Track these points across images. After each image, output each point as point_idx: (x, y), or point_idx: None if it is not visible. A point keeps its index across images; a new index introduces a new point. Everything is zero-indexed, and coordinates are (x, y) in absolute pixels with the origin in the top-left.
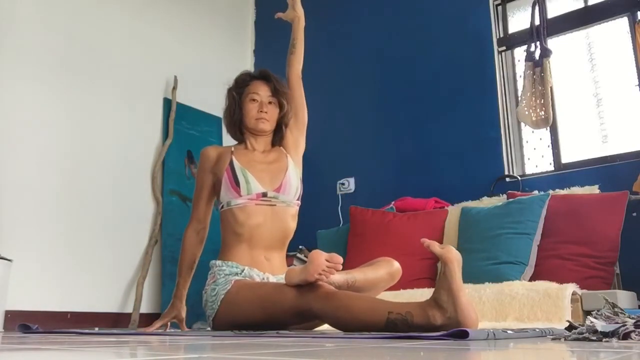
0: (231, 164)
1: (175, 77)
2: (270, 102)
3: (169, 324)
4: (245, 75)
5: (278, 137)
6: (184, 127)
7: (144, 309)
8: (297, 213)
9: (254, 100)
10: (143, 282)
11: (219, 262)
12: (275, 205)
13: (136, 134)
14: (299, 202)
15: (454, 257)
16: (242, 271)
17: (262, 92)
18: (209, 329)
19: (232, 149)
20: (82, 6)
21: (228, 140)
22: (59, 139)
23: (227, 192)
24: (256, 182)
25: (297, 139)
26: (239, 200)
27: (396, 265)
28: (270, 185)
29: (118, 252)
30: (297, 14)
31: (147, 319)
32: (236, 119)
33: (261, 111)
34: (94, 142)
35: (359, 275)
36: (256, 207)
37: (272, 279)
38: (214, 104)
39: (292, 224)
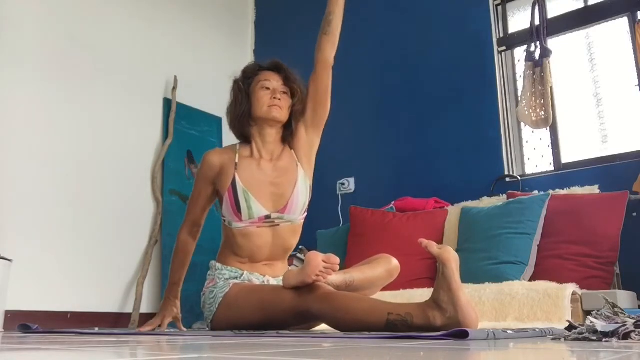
0: (233, 183)
1: (175, 77)
2: (283, 92)
3: (166, 323)
4: (254, 65)
5: (288, 132)
6: (184, 127)
7: (144, 309)
8: (302, 224)
9: (265, 87)
10: (143, 282)
11: (219, 266)
12: (278, 225)
13: (136, 134)
14: (306, 213)
15: (452, 257)
16: (242, 275)
17: (274, 80)
18: (207, 329)
19: (236, 158)
20: (82, 6)
21: (228, 139)
22: (58, 138)
23: (227, 212)
24: (259, 206)
25: (312, 139)
26: (240, 224)
27: (394, 262)
28: (274, 207)
29: (118, 252)
30: None
31: (147, 319)
32: (244, 111)
33: (274, 97)
34: (94, 142)
35: (357, 274)
36: (258, 230)
37: (273, 282)
38: (214, 104)
39: (295, 240)
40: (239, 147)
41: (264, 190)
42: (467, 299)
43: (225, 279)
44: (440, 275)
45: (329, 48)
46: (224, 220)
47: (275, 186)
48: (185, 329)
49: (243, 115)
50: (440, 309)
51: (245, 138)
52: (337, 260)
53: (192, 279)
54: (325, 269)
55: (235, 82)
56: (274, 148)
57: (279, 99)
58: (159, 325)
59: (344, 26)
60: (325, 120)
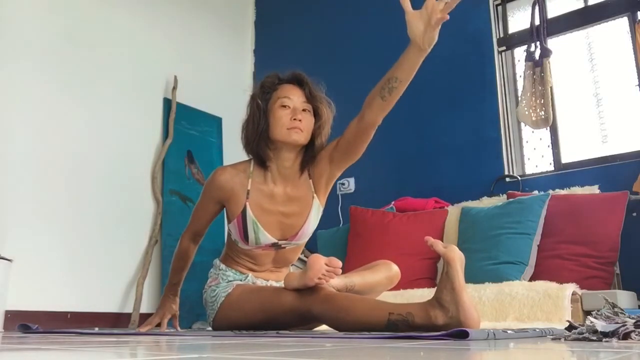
0: (244, 212)
1: (175, 77)
2: (304, 110)
3: (166, 322)
4: (273, 78)
5: (309, 156)
6: (184, 127)
7: (144, 309)
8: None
9: (284, 106)
10: (143, 282)
11: (223, 267)
12: (284, 248)
13: (136, 134)
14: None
15: (457, 257)
16: (246, 277)
17: (294, 96)
18: (209, 328)
19: (249, 184)
20: (82, 6)
21: (228, 139)
22: (58, 138)
23: (234, 233)
24: (267, 235)
25: (334, 173)
26: (246, 246)
27: (395, 268)
28: (282, 236)
29: (118, 252)
30: (434, 32)
31: (147, 319)
32: (261, 131)
33: (294, 119)
34: (94, 142)
35: (357, 279)
36: (262, 252)
37: (275, 285)
38: (214, 104)
39: (297, 255)
40: (253, 170)
41: (274, 220)
42: (470, 299)
43: (229, 280)
44: (444, 274)
45: (381, 113)
46: (230, 234)
47: (287, 217)
48: (180, 329)
49: (260, 137)
50: (443, 308)
51: (260, 160)
52: (340, 263)
53: (193, 278)
54: (327, 272)
55: (253, 97)
56: (290, 173)
57: (300, 120)
58: (159, 324)
59: (343, 26)
60: (353, 163)
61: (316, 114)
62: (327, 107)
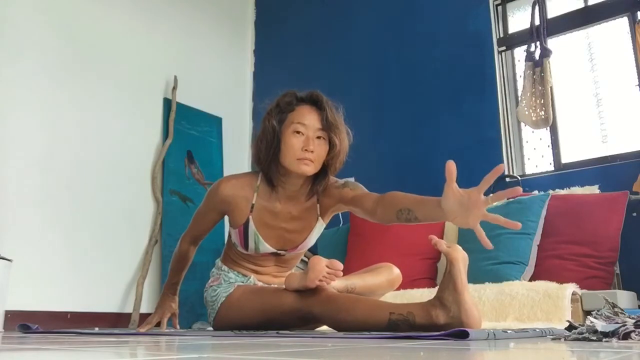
0: (246, 224)
1: (175, 77)
2: (319, 137)
3: (165, 321)
4: (290, 97)
5: (319, 184)
6: (184, 127)
7: (144, 309)
8: None
9: (298, 132)
10: (143, 282)
11: (225, 268)
12: (284, 255)
13: (136, 134)
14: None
15: (460, 257)
16: (248, 279)
17: (309, 121)
18: (210, 328)
19: (254, 199)
20: (82, 6)
21: (228, 139)
22: (58, 138)
23: (235, 239)
24: (267, 246)
25: (340, 209)
26: (245, 252)
27: (396, 271)
28: (282, 247)
29: (118, 252)
30: (468, 224)
31: (147, 319)
32: (272, 153)
33: (306, 149)
34: (93, 142)
35: (358, 281)
36: (262, 257)
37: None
38: (214, 104)
39: (298, 260)
40: (259, 184)
41: (276, 234)
42: (472, 299)
43: (230, 282)
44: (446, 273)
45: (390, 223)
46: (230, 236)
47: (288, 232)
48: (180, 328)
49: (271, 159)
50: (444, 307)
51: (268, 179)
52: (341, 266)
53: (193, 278)
54: (328, 274)
55: (268, 115)
56: (297, 195)
57: (311, 151)
58: (158, 323)
59: (343, 26)
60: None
61: (332, 143)
62: (344, 138)
